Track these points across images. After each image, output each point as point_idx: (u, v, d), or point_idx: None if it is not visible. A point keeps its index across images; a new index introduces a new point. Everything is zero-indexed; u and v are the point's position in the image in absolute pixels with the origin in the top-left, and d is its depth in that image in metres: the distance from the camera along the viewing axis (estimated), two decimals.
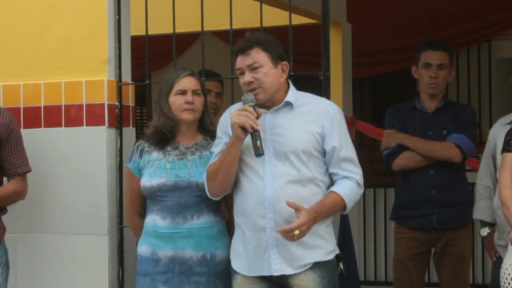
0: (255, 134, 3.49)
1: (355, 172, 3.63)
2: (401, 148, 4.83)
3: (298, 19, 6.31)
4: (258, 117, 3.50)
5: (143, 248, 3.84)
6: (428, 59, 4.86)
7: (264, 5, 4.30)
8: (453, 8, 7.87)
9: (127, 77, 4.40)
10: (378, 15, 7.97)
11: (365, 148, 8.10)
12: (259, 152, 3.48)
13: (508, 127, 3.96)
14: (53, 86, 4.36)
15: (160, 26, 5.94)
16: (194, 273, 3.77)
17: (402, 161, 4.83)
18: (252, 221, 3.57)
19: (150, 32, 4.43)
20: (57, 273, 4.33)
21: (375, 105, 8.88)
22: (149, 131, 3.89)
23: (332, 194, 3.59)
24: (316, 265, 3.57)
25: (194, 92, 3.83)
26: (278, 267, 3.57)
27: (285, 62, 3.64)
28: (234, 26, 4.29)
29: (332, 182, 3.65)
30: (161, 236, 3.79)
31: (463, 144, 4.74)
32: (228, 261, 3.74)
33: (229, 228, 3.86)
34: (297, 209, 3.45)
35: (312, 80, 4.09)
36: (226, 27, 4.37)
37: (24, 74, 4.43)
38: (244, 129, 3.49)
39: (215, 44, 8.00)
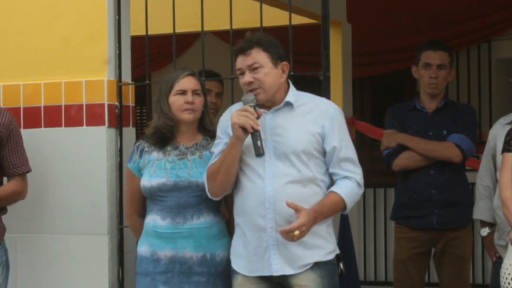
0: (255, 134, 3.48)
1: (355, 172, 3.63)
2: (401, 148, 4.83)
3: (298, 19, 6.31)
4: (258, 117, 3.50)
5: (143, 248, 3.84)
6: (428, 59, 4.86)
7: (264, 5, 4.30)
8: (453, 8, 7.86)
9: (127, 77, 4.39)
10: (378, 15, 7.96)
11: (365, 148, 8.09)
12: (259, 152, 3.48)
13: (508, 127, 3.96)
14: (53, 86, 4.36)
15: (160, 26, 5.93)
16: (194, 273, 3.76)
17: (402, 161, 4.83)
18: (252, 221, 3.57)
19: (150, 32, 4.43)
20: (57, 273, 4.33)
21: (375, 105, 8.87)
22: (149, 131, 3.88)
23: (332, 194, 3.59)
24: (316, 265, 3.57)
25: (194, 92, 3.83)
26: (278, 267, 3.56)
27: (285, 62, 3.63)
28: (234, 26, 4.28)
29: (332, 182, 3.65)
30: (161, 236, 3.78)
31: (463, 144, 4.74)
32: (228, 261, 3.74)
33: (229, 228, 3.86)
34: (297, 210, 3.44)
35: (312, 80, 4.09)
36: (226, 27, 4.37)
37: (24, 74, 4.43)
38: (244, 129, 3.48)
39: (215, 44, 7.99)
